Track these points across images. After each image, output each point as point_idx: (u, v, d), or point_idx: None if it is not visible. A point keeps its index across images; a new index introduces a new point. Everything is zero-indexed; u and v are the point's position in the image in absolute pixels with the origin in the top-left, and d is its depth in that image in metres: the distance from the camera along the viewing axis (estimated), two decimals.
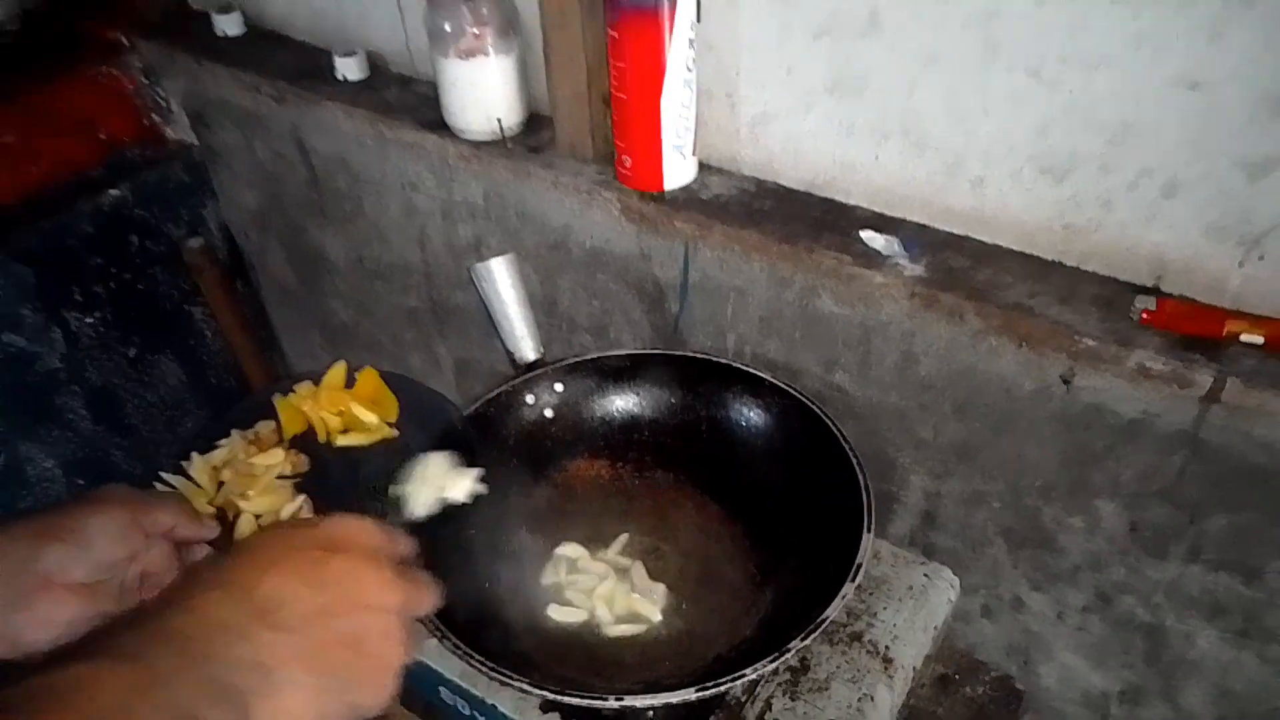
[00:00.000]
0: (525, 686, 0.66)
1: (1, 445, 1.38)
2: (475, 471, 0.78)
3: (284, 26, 1.34)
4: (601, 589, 0.84)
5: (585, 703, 0.66)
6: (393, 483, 0.78)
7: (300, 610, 0.47)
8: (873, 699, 0.79)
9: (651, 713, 0.77)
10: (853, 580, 0.70)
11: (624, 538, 0.88)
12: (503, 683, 0.67)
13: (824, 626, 0.68)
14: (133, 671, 0.41)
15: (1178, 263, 0.76)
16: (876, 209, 0.90)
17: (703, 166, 0.98)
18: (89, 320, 1.44)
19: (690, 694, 0.66)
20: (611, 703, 0.66)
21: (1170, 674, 0.85)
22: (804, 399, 0.85)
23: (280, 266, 1.55)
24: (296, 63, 1.27)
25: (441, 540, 0.80)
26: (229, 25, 1.35)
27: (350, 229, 1.35)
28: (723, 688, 0.66)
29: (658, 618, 0.82)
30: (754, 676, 0.67)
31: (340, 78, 1.21)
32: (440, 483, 0.78)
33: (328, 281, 1.47)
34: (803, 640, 0.67)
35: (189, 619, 0.45)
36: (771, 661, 0.66)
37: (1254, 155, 0.68)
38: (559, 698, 0.67)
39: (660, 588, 0.84)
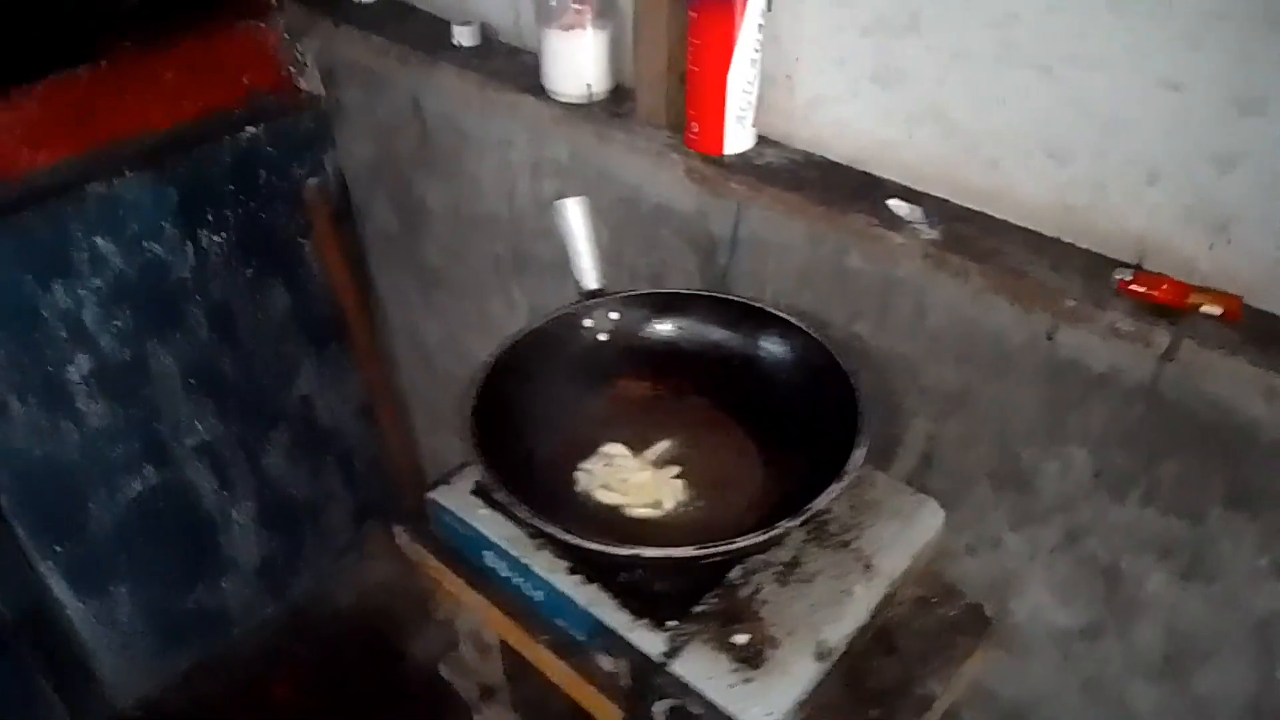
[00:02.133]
0: (555, 531, 0.81)
1: (132, 340, 1.59)
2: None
3: None
4: (635, 479, 0.99)
5: (599, 548, 0.80)
6: None
7: None
8: (850, 594, 0.91)
9: (661, 584, 0.91)
10: (840, 480, 0.83)
11: (664, 444, 1.03)
12: (535, 531, 0.82)
13: (809, 514, 0.81)
14: None
15: (1157, 243, 0.87)
16: (906, 183, 1.02)
17: (761, 140, 1.12)
18: (217, 239, 1.64)
19: (691, 550, 0.80)
20: (623, 550, 0.80)
21: (1123, 612, 0.96)
22: (823, 341, 0.98)
23: (384, 213, 1.74)
24: (420, 30, 1.44)
25: (512, 407, 0.97)
26: None
27: (451, 182, 1.52)
28: (718, 549, 0.80)
29: (673, 506, 0.96)
30: (745, 545, 0.81)
31: (456, 44, 1.39)
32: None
33: (425, 228, 1.65)
34: (790, 521, 0.81)
35: None
36: (761, 534, 0.80)
37: (1223, 150, 0.79)
38: (580, 542, 0.81)
39: (681, 484, 0.98)
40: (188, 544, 1.83)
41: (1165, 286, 0.85)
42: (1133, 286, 0.86)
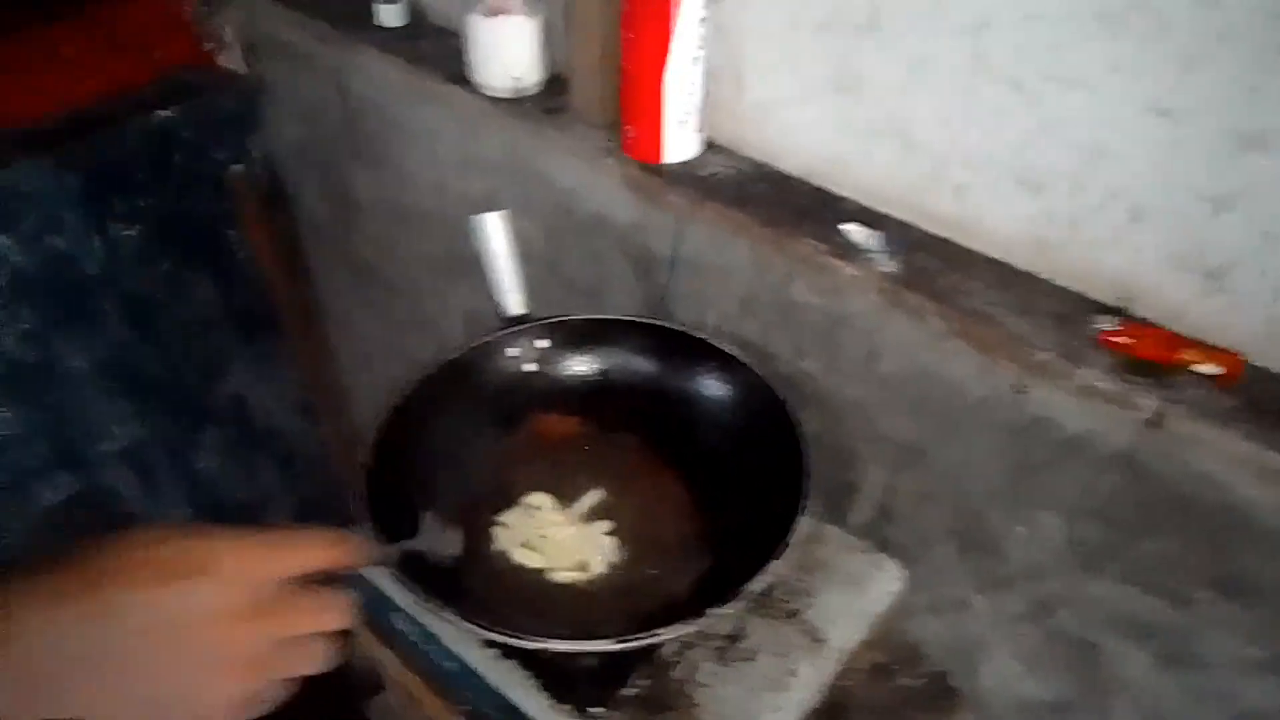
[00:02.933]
0: (451, 618, 0.70)
1: (36, 341, 1.46)
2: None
3: None
4: (560, 535, 0.88)
5: (508, 640, 0.70)
6: None
7: (134, 623, 0.45)
8: (796, 674, 0.82)
9: (583, 661, 0.82)
10: (776, 558, 0.73)
11: (593, 495, 0.92)
12: (434, 614, 0.72)
13: (742, 598, 0.71)
14: None
15: (1139, 287, 0.77)
16: (864, 203, 0.91)
17: (710, 144, 1.00)
18: (128, 232, 1.51)
19: (610, 645, 0.69)
20: (527, 643, 0.70)
21: (1102, 691, 0.87)
22: (765, 380, 0.87)
23: (315, 201, 1.60)
24: (344, 5, 1.31)
25: (408, 473, 0.86)
26: None
27: (379, 172, 1.39)
28: (641, 643, 0.70)
29: (602, 570, 0.86)
30: (669, 636, 0.70)
31: (379, 23, 1.25)
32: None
33: (356, 221, 1.52)
34: (720, 608, 0.70)
35: (22, 609, 0.44)
36: (686, 625, 0.70)
37: (1218, 189, 0.69)
38: (485, 633, 0.71)
39: (610, 543, 0.88)
40: None
41: (1151, 339, 0.75)
42: (1114, 339, 0.75)
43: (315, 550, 0.53)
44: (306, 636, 0.51)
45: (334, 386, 1.91)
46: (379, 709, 1.27)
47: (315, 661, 0.52)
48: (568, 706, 0.80)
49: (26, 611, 0.43)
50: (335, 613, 0.52)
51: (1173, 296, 0.75)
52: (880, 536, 0.98)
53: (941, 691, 0.92)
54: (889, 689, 0.92)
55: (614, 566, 0.86)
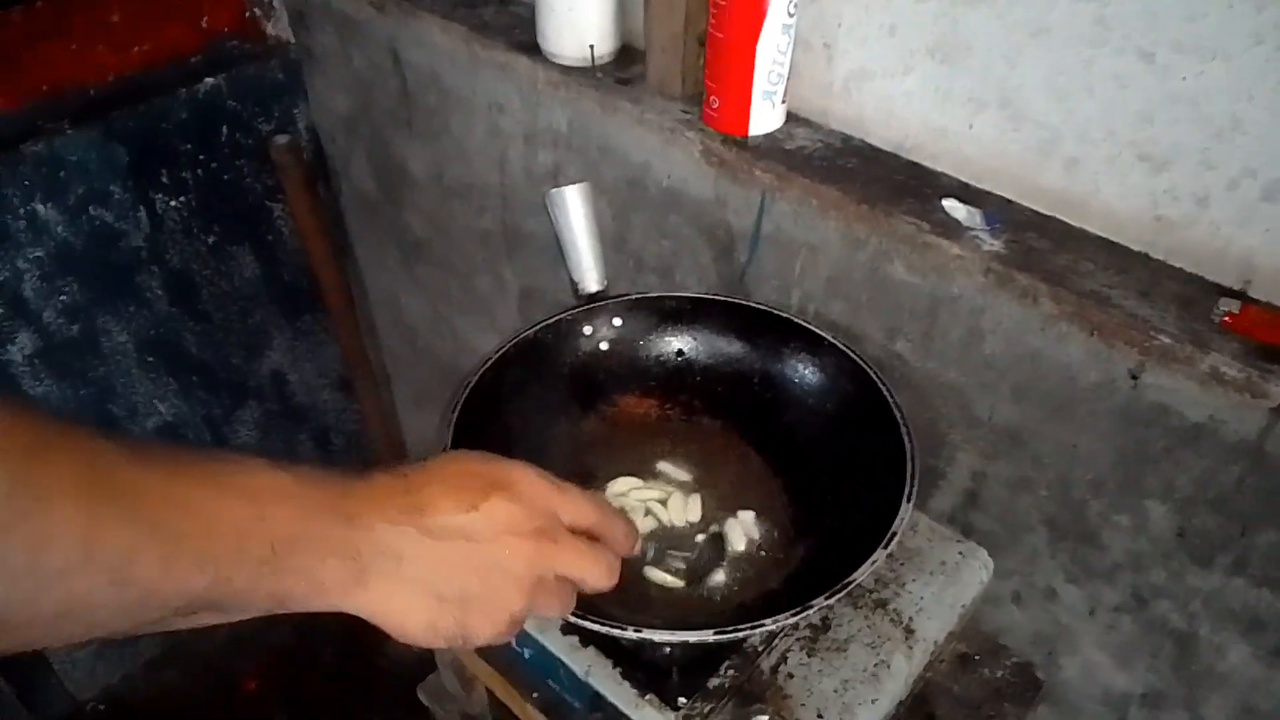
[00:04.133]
0: None
1: (81, 314, 1.44)
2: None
3: None
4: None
5: (605, 629, 0.67)
6: None
7: (447, 525, 0.51)
8: (889, 666, 0.79)
9: (669, 649, 0.79)
10: (885, 547, 0.70)
11: (680, 477, 0.89)
12: None
13: (849, 589, 0.68)
14: (295, 494, 0.46)
15: (1269, 269, 0.73)
16: (963, 179, 0.88)
17: (790, 117, 0.97)
18: (174, 204, 1.48)
19: (708, 635, 0.66)
20: (630, 633, 0.67)
21: (1195, 684, 0.84)
22: (863, 363, 0.84)
23: (363, 175, 1.57)
24: None
25: (497, 433, 0.83)
26: None
27: (434, 145, 1.36)
28: (741, 634, 0.67)
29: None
30: (773, 628, 0.67)
31: None
32: None
33: (407, 195, 1.49)
34: (827, 599, 0.67)
35: (356, 488, 0.49)
36: (792, 616, 0.67)
37: None
38: (580, 621, 0.68)
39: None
40: None
41: None
42: (1239, 322, 0.72)
43: (591, 509, 0.58)
44: (568, 580, 0.56)
45: (374, 364, 1.88)
46: (430, 691, 1.25)
47: (564, 607, 0.57)
48: (654, 698, 0.77)
49: (380, 524, 0.49)
50: (603, 567, 0.57)
51: None
52: (965, 523, 0.96)
53: (1028, 683, 0.89)
54: (975, 680, 0.89)
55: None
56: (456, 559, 0.51)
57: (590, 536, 0.58)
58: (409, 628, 0.51)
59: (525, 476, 0.55)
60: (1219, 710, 0.84)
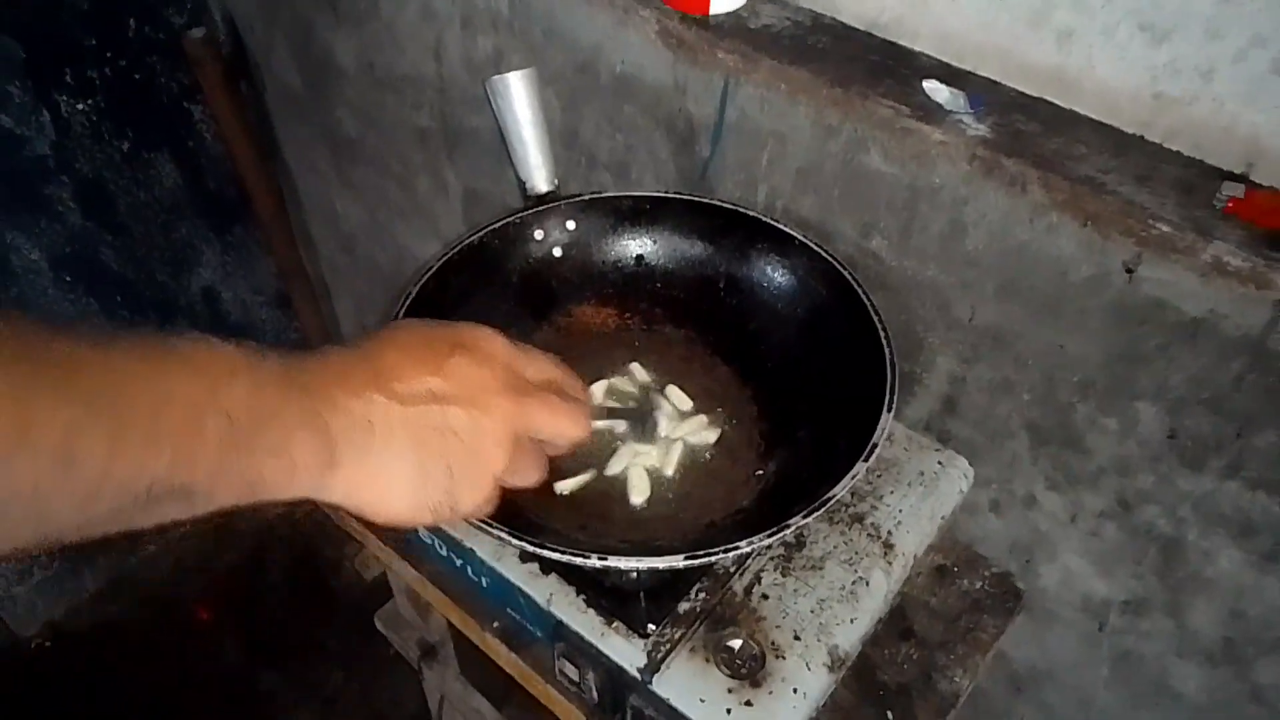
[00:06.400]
0: (504, 536, 0.62)
1: None
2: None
3: None
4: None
5: (566, 558, 0.62)
6: None
7: (415, 388, 0.47)
8: (867, 583, 0.75)
9: (635, 574, 0.74)
10: (865, 460, 0.65)
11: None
12: (481, 529, 0.63)
13: (827, 506, 0.63)
14: (247, 367, 0.42)
15: (1274, 150, 0.67)
16: (944, 58, 0.80)
17: None
18: (81, 107, 1.35)
19: (679, 561, 0.61)
20: (594, 561, 0.61)
21: (1180, 589, 0.81)
22: (836, 262, 0.77)
23: (286, 68, 1.44)
24: None
25: None
26: None
27: (362, 31, 1.24)
28: (713, 558, 0.61)
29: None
30: (747, 549, 0.62)
31: None
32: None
33: (335, 90, 1.37)
34: (804, 517, 0.62)
35: (311, 360, 0.46)
36: (768, 536, 0.61)
37: None
38: (539, 550, 0.62)
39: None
40: None
41: None
42: (1244, 207, 0.66)
43: (552, 364, 0.56)
44: (538, 443, 0.54)
45: (312, 275, 1.78)
46: (387, 619, 1.21)
47: (540, 470, 0.55)
48: (621, 625, 0.72)
49: (342, 394, 0.45)
50: (576, 418, 0.54)
51: None
52: (941, 430, 0.91)
53: (1007, 593, 0.86)
54: (953, 592, 0.86)
55: (673, 470, 0.78)
56: (432, 423, 0.48)
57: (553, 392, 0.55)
58: (393, 505, 0.48)
59: (485, 335, 0.52)
60: (1204, 616, 0.81)
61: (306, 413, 0.44)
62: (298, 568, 1.82)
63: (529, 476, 0.54)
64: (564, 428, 0.54)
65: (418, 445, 0.47)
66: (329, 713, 1.64)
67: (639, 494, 0.75)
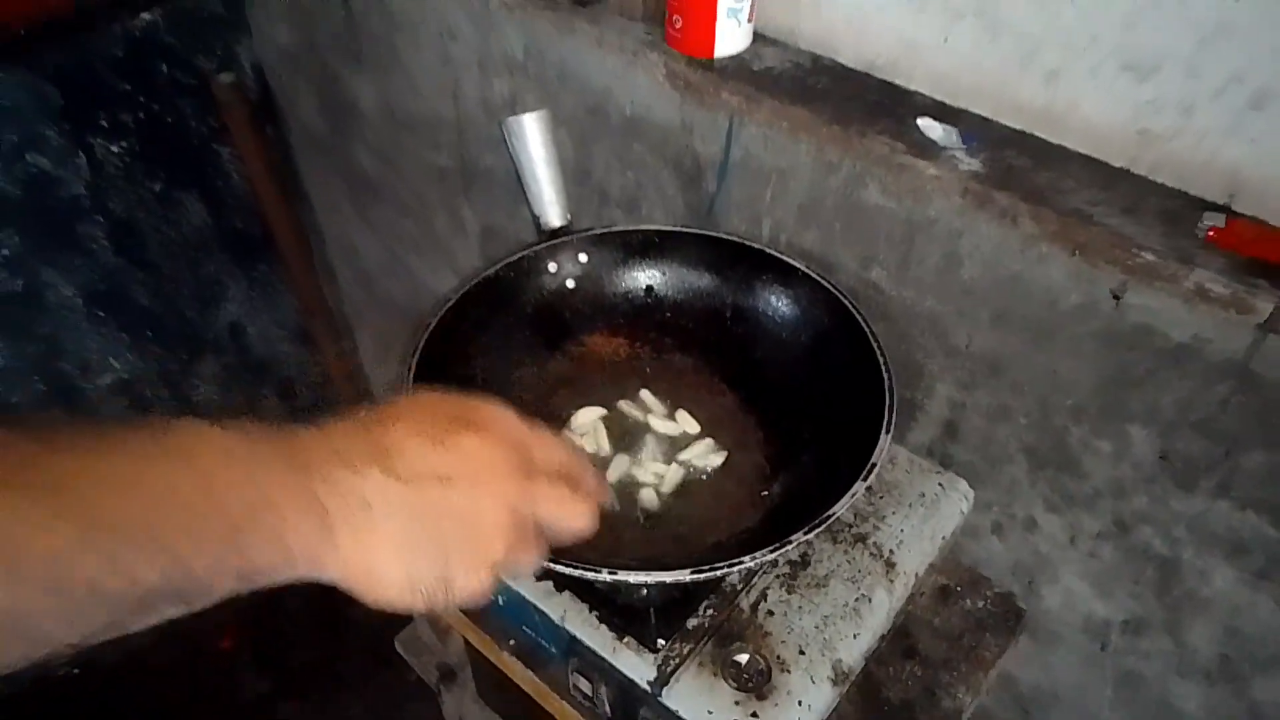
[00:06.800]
0: None
1: (22, 267, 1.37)
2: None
3: None
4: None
5: (578, 572, 0.64)
6: None
7: (417, 466, 0.46)
8: (870, 600, 0.78)
9: (645, 591, 0.77)
10: (864, 480, 0.68)
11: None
12: None
13: (828, 523, 0.66)
14: (243, 455, 0.41)
15: (1254, 181, 0.70)
16: (939, 97, 0.84)
17: (757, 36, 0.92)
18: (114, 149, 1.41)
19: (685, 575, 0.64)
20: (605, 575, 0.64)
21: (1178, 608, 0.83)
22: (838, 292, 0.81)
23: (311, 112, 1.50)
24: None
25: (460, 376, 0.80)
26: None
27: (384, 77, 1.29)
28: (719, 573, 0.64)
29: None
30: (751, 565, 0.65)
31: None
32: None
33: (357, 132, 1.43)
34: (806, 534, 0.65)
35: (310, 437, 0.44)
36: (771, 552, 0.64)
37: None
38: (554, 565, 0.65)
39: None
40: None
41: (1267, 237, 0.69)
42: (1225, 236, 0.69)
43: (564, 450, 0.54)
44: (542, 528, 0.51)
45: (335, 312, 1.83)
46: (407, 643, 1.24)
47: (540, 557, 0.52)
48: (632, 640, 0.75)
49: (341, 471, 0.44)
50: (583, 510, 0.52)
51: None
52: (944, 455, 0.94)
53: (1009, 612, 0.88)
54: (956, 612, 0.88)
55: (671, 496, 0.81)
56: (430, 503, 0.46)
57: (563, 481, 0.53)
58: (386, 588, 0.46)
59: (496, 413, 0.51)
60: (1202, 635, 0.83)
61: (303, 497, 0.42)
62: (317, 598, 1.84)
63: (527, 564, 0.52)
64: (568, 518, 0.52)
65: (415, 526, 0.46)
66: None
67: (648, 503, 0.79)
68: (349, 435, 0.46)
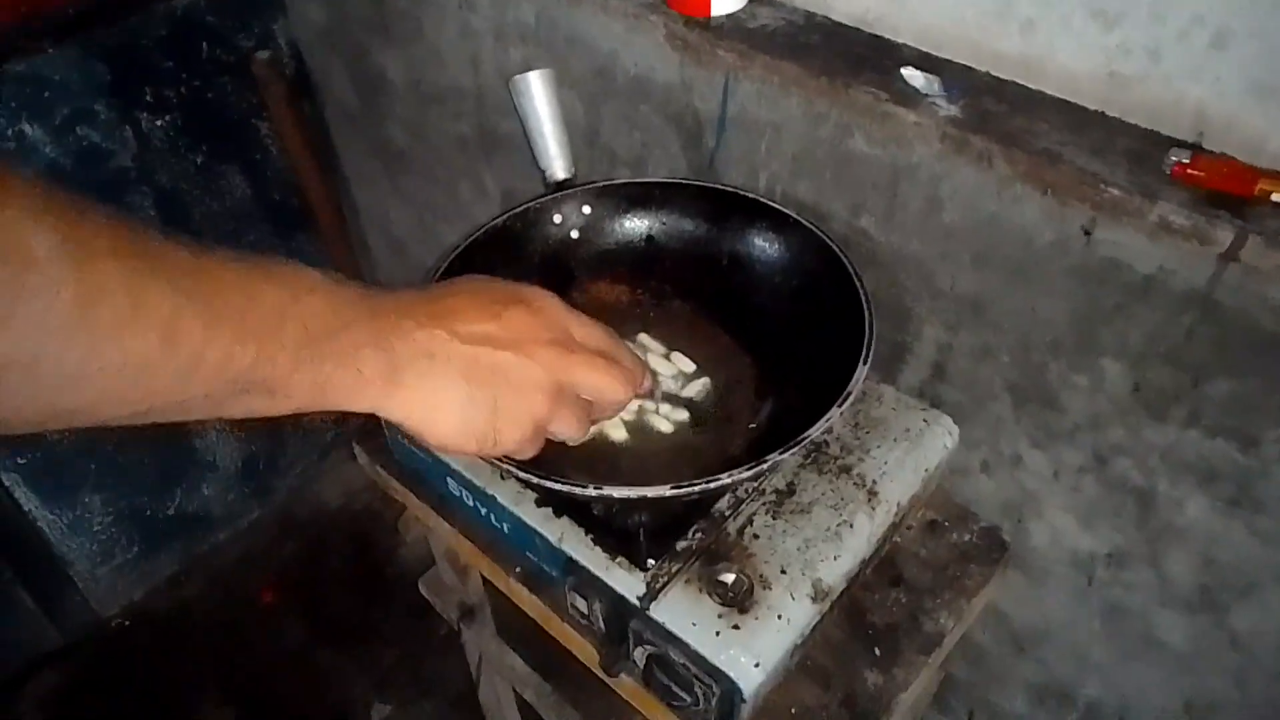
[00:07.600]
0: (510, 468, 0.70)
1: None
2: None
3: None
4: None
5: (565, 489, 0.69)
6: None
7: (474, 329, 0.53)
8: (852, 525, 0.82)
9: (639, 515, 0.82)
10: (840, 405, 0.72)
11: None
12: (493, 465, 0.71)
13: (803, 443, 0.70)
14: (326, 287, 0.47)
15: (1219, 120, 0.73)
16: (924, 48, 0.87)
17: None
18: (159, 123, 1.49)
19: (665, 490, 0.68)
20: (590, 490, 0.69)
21: (1156, 539, 0.86)
22: (822, 234, 0.85)
23: (344, 87, 1.57)
24: None
25: None
26: None
27: (410, 51, 1.36)
28: (696, 489, 0.69)
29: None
30: (728, 481, 0.69)
31: None
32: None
33: (387, 105, 1.49)
34: (781, 454, 0.69)
35: (385, 294, 0.51)
36: (747, 470, 0.69)
37: None
38: (543, 482, 0.70)
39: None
40: (161, 450, 1.75)
41: (1228, 170, 0.72)
42: (1190, 171, 0.72)
43: (603, 332, 0.61)
44: (582, 400, 0.59)
45: (368, 279, 1.90)
46: (430, 584, 1.30)
47: (581, 425, 0.59)
48: (624, 560, 0.80)
49: (408, 323, 0.50)
50: (620, 380, 0.59)
51: (1253, 127, 0.71)
52: (934, 395, 0.97)
53: (994, 545, 0.91)
54: (942, 544, 0.91)
55: (674, 426, 0.86)
56: (483, 362, 0.53)
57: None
58: (443, 428, 0.53)
59: (542, 295, 0.58)
60: (1181, 565, 0.86)
61: (375, 334, 0.49)
62: (355, 556, 1.94)
63: (570, 429, 0.59)
64: (605, 386, 0.58)
65: (470, 379, 0.52)
66: (382, 686, 1.75)
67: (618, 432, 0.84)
68: (418, 298, 0.53)
